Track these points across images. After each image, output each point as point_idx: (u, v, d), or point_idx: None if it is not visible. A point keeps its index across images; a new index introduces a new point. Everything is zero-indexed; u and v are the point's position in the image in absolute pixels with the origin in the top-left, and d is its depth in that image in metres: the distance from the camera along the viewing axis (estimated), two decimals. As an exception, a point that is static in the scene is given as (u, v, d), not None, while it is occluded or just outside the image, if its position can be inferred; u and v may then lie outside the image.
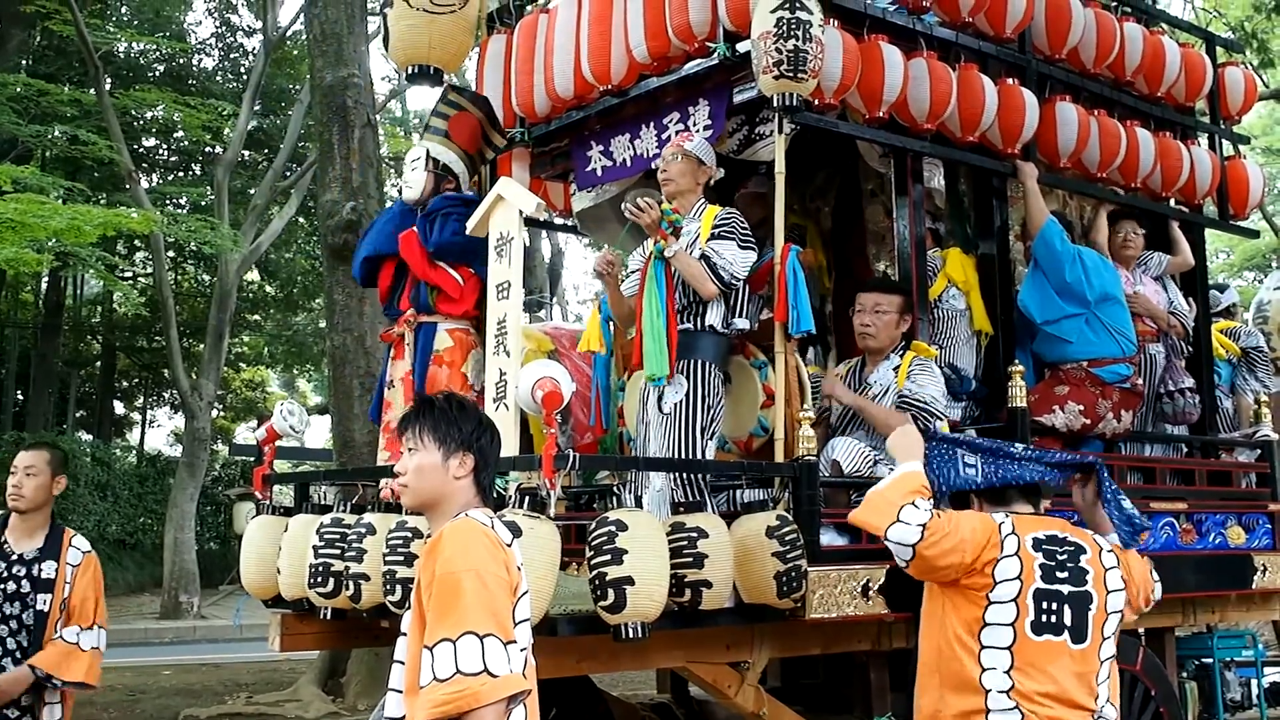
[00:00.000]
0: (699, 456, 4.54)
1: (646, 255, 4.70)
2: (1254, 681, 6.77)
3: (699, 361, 4.61)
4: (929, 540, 3.41)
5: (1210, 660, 6.49)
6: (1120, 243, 6.08)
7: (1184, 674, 6.44)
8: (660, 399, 4.60)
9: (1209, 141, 6.53)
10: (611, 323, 5.43)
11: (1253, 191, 6.59)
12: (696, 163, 4.83)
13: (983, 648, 3.42)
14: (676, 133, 5.11)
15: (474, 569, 2.51)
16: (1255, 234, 7.76)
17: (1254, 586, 5.86)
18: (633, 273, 4.99)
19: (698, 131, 5.05)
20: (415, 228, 5.01)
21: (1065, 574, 3.48)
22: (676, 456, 4.53)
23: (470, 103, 5.26)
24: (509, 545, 2.67)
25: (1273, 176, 21.36)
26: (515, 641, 2.52)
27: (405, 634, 2.64)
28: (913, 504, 3.48)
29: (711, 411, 4.60)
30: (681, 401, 4.56)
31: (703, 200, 4.85)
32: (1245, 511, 5.96)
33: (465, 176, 5.16)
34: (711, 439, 4.63)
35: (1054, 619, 3.45)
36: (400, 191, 5.44)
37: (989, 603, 3.43)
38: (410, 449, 2.75)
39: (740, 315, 4.72)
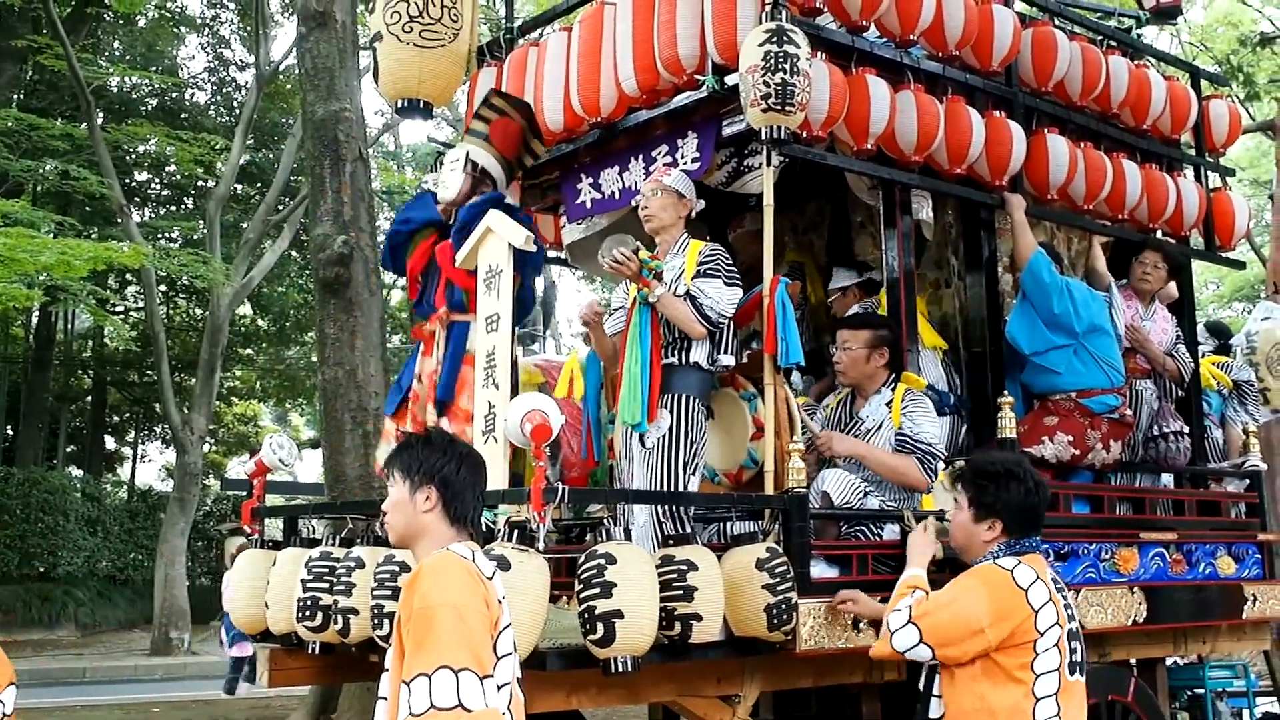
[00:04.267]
0: (683, 490, 4.53)
1: (630, 295, 4.71)
2: (1246, 712, 6.76)
3: (682, 396, 4.60)
4: (930, 633, 3.43)
5: (1202, 691, 6.49)
6: (1139, 275, 6.09)
7: (1176, 705, 6.44)
8: (642, 435, 4.60)
9: (1195, 174, 6.57)
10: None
11: (1238, 223, 6.63)
12: (677, 196, 4.85)
13: (1038, 700, 3.37)
14: (664, 165, 5.14)
15: (450, 603, 2.51)
16: (1241, 265, 7.79)
17: (1245, 616, 5.85)
18: (617, 309, 5.00)
19: (686, 164, 5.07)
20: (450, 241, 4.98)
21: (1068, 608, 3.49)
22: (662, 490, 4.52)
23: (514, 109, 5.22)
24: (490, 578, 2.67)
25: (1259, 208, 21.47)
26: (493, 676, 2.52)
27: (389, 669, 2.64)
28: (895, 609, 3.53)
29: (694, 446, 4.60)
30: (664, 437, 4.56)
31: (685, 234, 4.87)
32: (1235, 541, 5.96)
33: (503, 181, 5.10)
34: (694, 474, 4.62)
35: (1078, 657, 3.45)
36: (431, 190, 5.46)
37: (1036, 654, 3.39)
38: (389, 487, 2.81)
39: (726, 351, 4.72)
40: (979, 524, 3.59)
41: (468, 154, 5.06)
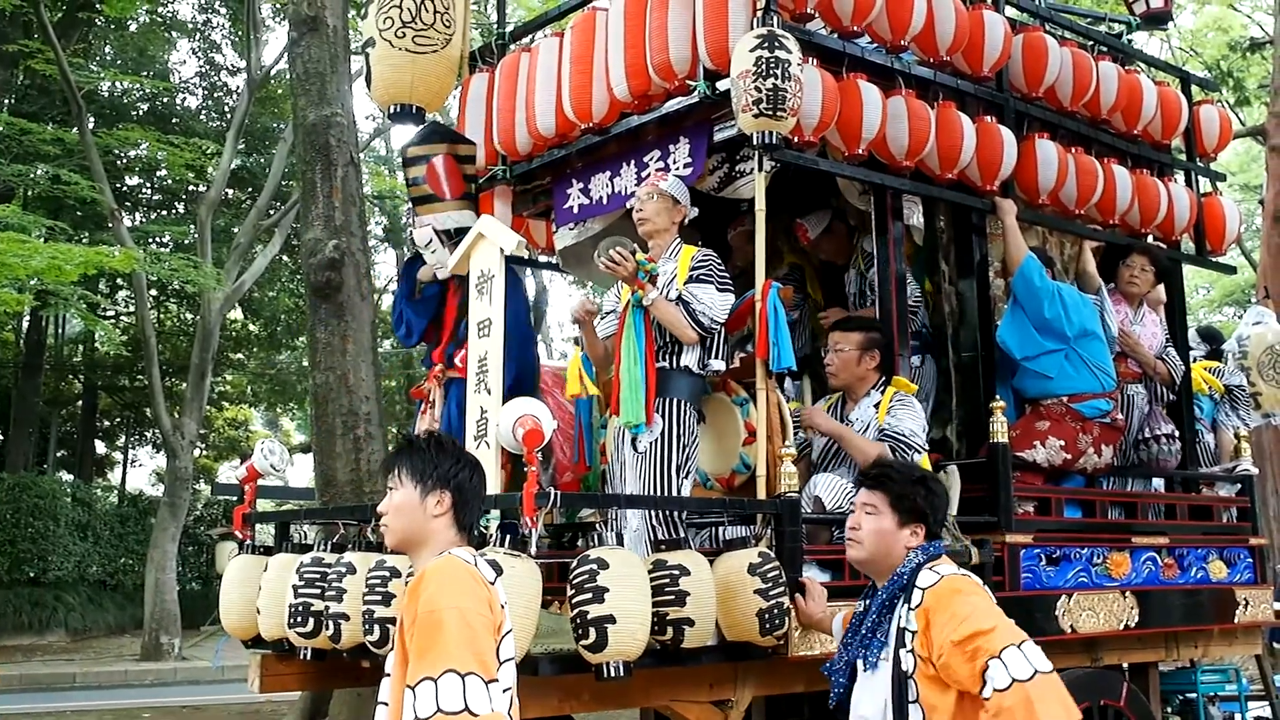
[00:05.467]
0: (675, 495, 4.52)
1: (623, 298, 4.71)
2: (1238, 716, 6.77)
3: (674, 400, 4.61)
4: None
5: (1194, 695, 6.49)
6: (1127, 278, 6.09)
7: (1168, 709, 6.44)
8: (634, 438, 4.60)
9: (1186, 178, 6.58)
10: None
11: (1229, 228, 6.64)
12: (672, 201, 4.85)
13: None
14: (656, 170, 5.14)
15: (456, 607, 2.51)
16: (1232, 270, 7.80)
17: (1236, 621, 5.86)
18: (608, 313, 5.00)
19: (678, 169, 5.07)
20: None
21: None
22: (655, 494, 4.52)
23: (427, 142, 5.22)
24: (492, 583, 2.67)
25: (1249, 213, 21.54)
26: (497, 680, 2.52)
27: (389, 674, 2.64)
28: (1001, 659, 3.01)
29: (686, 450, 4.60)
30: (656, 441, 4.56)
31: (678, 240, 4.88)
32: (1227, 546, 5.98)
33: (473, 220, 5.10)
34: (687, 477, 4.62)
35: None
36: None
37: None
38: (391, 488, 2.77)
39: (716, 356, 4.72)
40: (903, 529, 3.30)
41: (432, 228, 5.04)
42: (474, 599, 2.56)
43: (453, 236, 5.07)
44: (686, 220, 4.98)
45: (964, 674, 2.96)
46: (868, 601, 3.35)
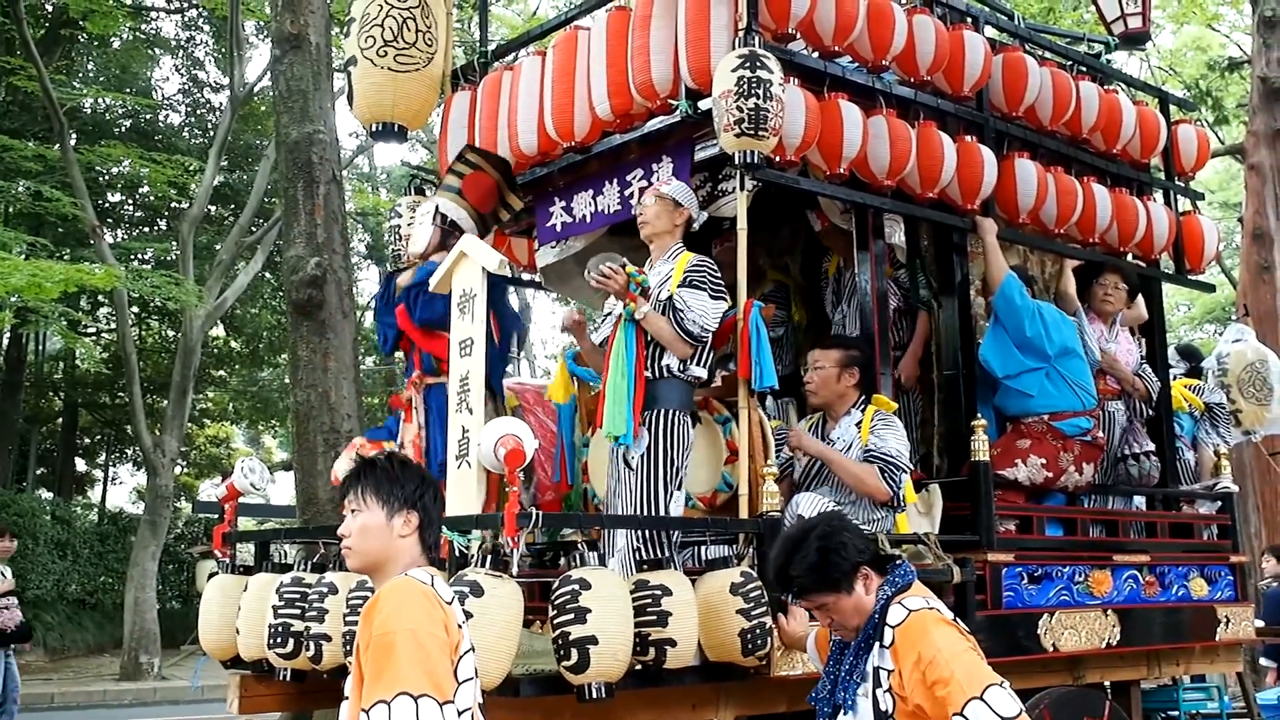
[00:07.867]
0: (666, 509, 4.50)
1: (616, 311, 4.69)
2: (1220, 734, 6.78)
3: (663, 410, 4.57)
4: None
5: (1176, 713, 6.50)
6: (1100, 296, 6.11)
7: (1151, 727, 6.43)
8: (626, 455, 4.57)
9: (1165, 197, 6.62)
10: (575, 378, 5.43)
11: (1208, 246, 6.68)
12: (673, 204, 4.83)
13: None
14: (640, 189, 5.14)
15: (410, 628, 2.50)
16: (1211, 288, 7.84)
17: (1218, 638, 5.88)
18: (606, 315, 4.98)
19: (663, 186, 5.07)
20: (403, 302, 5.00)
21: None
22: (643, 511, 4.50)
23: (488, 163, 5.23)
24: (449, 603, 2.66)
25: (1229, 231, 21.68)
26: (453, 702, 2.51)
27: (348, 698, 2.63)
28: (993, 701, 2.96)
29: (677, 461, 4.55)
30: (645, 454, 4.53)
31: (680, 244, 4.85)
32: (1208, 563, 5.99)
33: (475, 233, 5.09)
34: (679, 489, 4.59)
35: None
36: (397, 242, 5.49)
37: None
38: (354, 510, 2.75)
39: (699, 363, 4.68)
40: (858, 589, 3.16)
41: (437, 207, 5.06)
42: (429, 619, 2.55)
43: (445, 224, 5.07)
44: (693, 225, 4.96)
45: (936, 716, 2.96)
46: None
